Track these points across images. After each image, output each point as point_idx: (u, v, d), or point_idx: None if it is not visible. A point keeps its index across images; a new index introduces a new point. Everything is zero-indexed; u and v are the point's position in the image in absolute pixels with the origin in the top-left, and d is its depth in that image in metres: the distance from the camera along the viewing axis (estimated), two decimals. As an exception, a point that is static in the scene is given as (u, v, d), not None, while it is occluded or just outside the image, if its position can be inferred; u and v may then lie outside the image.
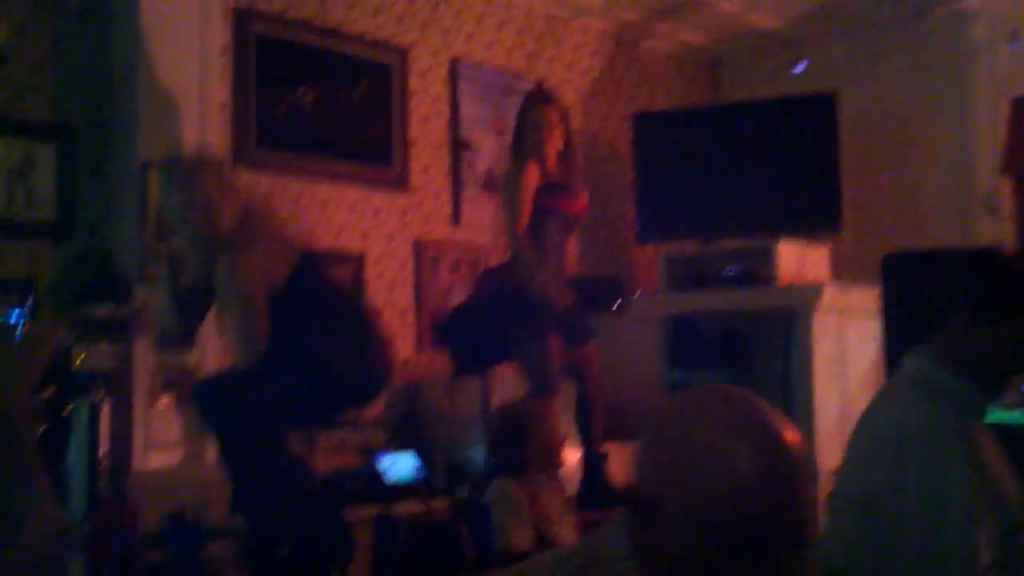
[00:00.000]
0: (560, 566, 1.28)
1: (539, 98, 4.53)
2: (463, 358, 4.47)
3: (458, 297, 5.18)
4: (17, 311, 1.44)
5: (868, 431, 2.15)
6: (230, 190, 3.43)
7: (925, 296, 3.49)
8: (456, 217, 5.41)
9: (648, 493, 1.21)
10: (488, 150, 5.55)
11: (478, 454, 4.31)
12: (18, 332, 1.52)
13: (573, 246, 4.78)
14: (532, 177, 4.36)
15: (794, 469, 1.19)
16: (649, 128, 5.99)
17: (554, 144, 4.44)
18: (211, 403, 3.23)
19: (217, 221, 3.35)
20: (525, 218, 4.32)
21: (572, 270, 4.63)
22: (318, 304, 3.47)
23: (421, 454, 4.45)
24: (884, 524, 2.01)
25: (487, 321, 4.34)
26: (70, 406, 3.39)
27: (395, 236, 5.14)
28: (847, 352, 5.17)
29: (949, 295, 2.19)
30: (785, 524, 1.17)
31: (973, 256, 4.17)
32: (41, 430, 3.30)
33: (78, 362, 3.47)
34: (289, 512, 3.18)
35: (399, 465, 4.31)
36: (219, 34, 4.41)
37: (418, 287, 5.19)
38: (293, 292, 3.37)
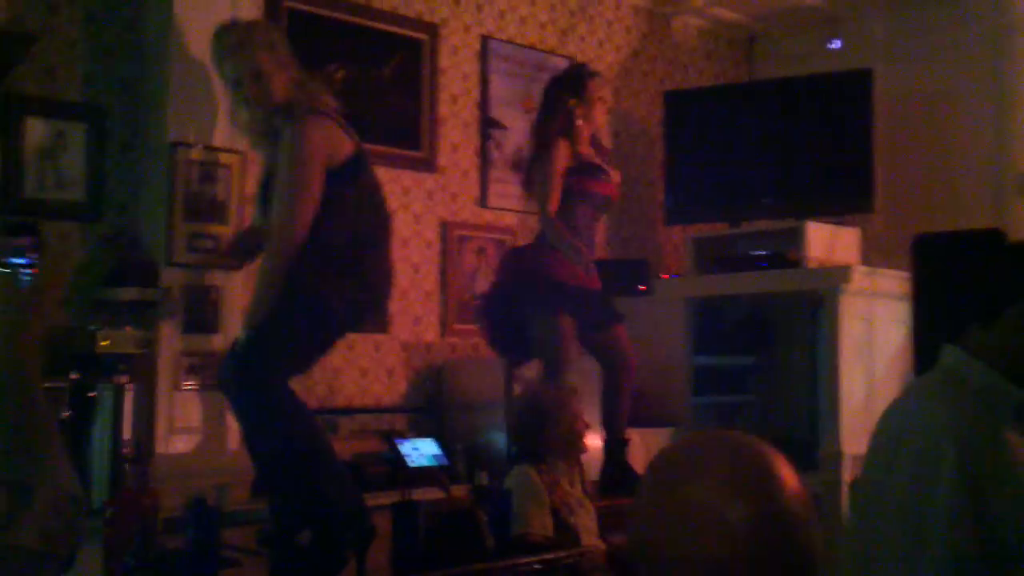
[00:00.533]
0: None
1: (580, 76, 4.50)
2: (501, 345, 4.47)
3: (483, 280, 5.20)
4: (21, 249, 1.39)
5: (892, 422, 2.11)
6: (284, 57, 3.43)
7: (956, 281, 3.46)
8: (483, 198, 5.40)
9: (643, 552, 1.20)
10: (517, 130, 5.52)
11: (500, 440, 4.34)
12: (25, 276, 1.47)
13: (601, 227, 4.76)
14: (563, 156, 4.35)
15: (793, 524, 1.18)
16: (681, 106, 5.95)
17: (590, 125, 4.42)
18: (234, 375, 3.26)
19: (270, 88, 3.35)
20: (556, 198, 4.31)
21: (599, 252, 4.62)
22: (370, 198, 3.43)
23: (442, 440, 4.49)
24: (871, 515, 2.00)
25: (510, 305, 4.35)
26: (94, 391, 3.42)
27: (421, 217, 5.14)
28: (875, 336, 5.14)
29: (993, 282, 2.12)
30: None
31: (1005, 243, 4.13)
32: (66, 414, 3.37)
33: (103, 345, 3.50)
34: (311, 490, 3.21)
35: (420, 451, 4.35)
36: (251, 10, 4.39)
37: (443, 269, 5.19)
38: (349, 175, 3.34)
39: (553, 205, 4.31)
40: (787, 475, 1.21)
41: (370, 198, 3.45)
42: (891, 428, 2.08)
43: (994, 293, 2.08)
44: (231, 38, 3.47)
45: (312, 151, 3.27)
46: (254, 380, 3.22)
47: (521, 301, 4.31)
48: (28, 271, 1.46)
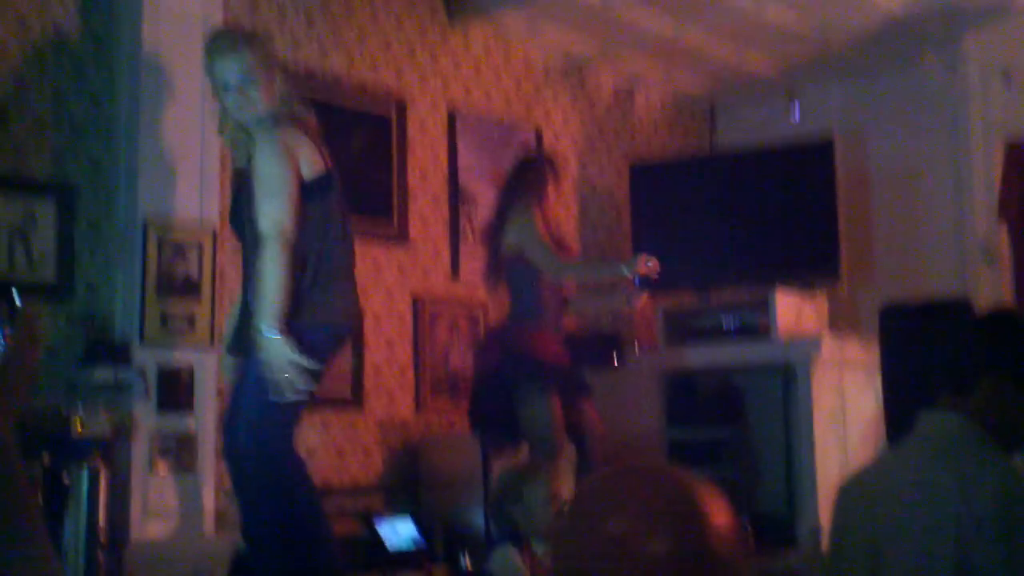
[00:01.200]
0: None
1: (552, 156, 4.58)
2: (485, 428, 4.42)
3: (456, 355, 5.17)
4: None
5: (902, 497, 2.08)
6: (272, 69, 3.47)
7: (925, 350, 3.48)
8: (455, 272, 5.39)
9: None
10: (487, 202, 5.53)
11: (478, 518, 4.28)
12: None
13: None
14: (540, 220, 4.39)
15: (717, 556, 1.14)
16: (646, 178, 6.00)
17: (556, 203, 4.47)
18: (249, 442, 3.23)
19: (257, 95, 3.38)
20: (554, 249, 4.31)
21: (568, 325, 4.62)
22: (340, 221, 3.48)
23: (419, 519, 4.42)
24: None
25: (496, 387, 4.31)
26: (67, 474, 3.34)
27: (393, 292, 5.11)
28: (847, 406, 5.17)
29: (966, 355, 2.14)
30: None
31: (973, 313, 4.18)
32: (38, 500, 3.27)
33: (76, 428, 3.42)
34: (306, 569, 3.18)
35: (399, 532, 4.28)
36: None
37: (417, 345, 5.15)
38: (318, 191, 3.37)
39: (559, 255, 4.30)
40: (712, 509, 1.17)
41: (340, 222, 3.48)
42: (893, 496, 2.06)
43: (966, 365, 2.11)
44: (226, 41, 3.52)
45: (287, 156, 3.32)
46: (270, 445, 3.21)
47: (508, 382, 4.27)
48: (1, 339, 1.40)
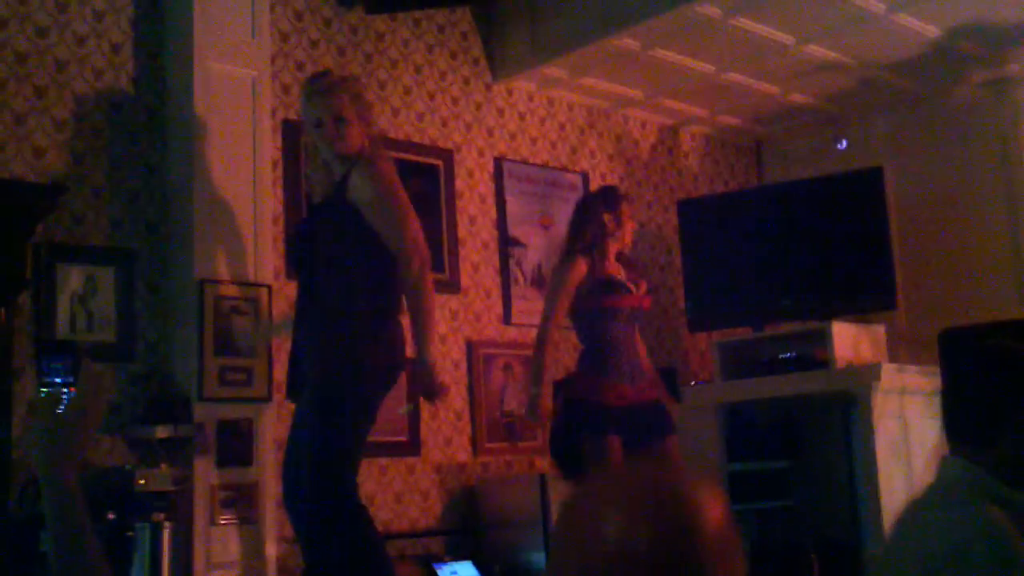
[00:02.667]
0: None
1: (615, 194, 4.56)
2: (565, 471, 4.43)
3: (511, 398, 5.20)
4: (59, 369, 1.41)
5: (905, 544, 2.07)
6: (365, 112, 3.62)
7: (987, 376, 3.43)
8: (507, 316, 5.44)
9: None
10: (536, 246, 5.60)
11: (539, 559, 4.28)
12: (64, 398, 1.48)
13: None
14: (578, 273, 4.35)
15: (705, 548, 1.11)
16: (694, 214, 6.01)
17: (619, 242, 4.44)
18: (313, 489, 3.30)
19: (347, 135, 3.52)
20: (562, 312, 4.31)
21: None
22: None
23: (480, 562, 4.43)
24: None
25: (565, 432, 4.32)
26: (131, 531, 3.42)
27: (447, 338, 5.18)
28: (910, 434, 5.10)
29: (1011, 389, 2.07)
30: None
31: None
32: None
33: (140, 484, 3.51)
34: None
35: (459, 575, 4.30)
36: (270, 147, 4.50)
37: (471, 388, 5.21)
38: None
39: (553, 322, 4.32)
40: (703, 502, 1.13)
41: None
42: (931, 541, 2.04)
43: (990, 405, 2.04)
44: (322, 83, 3.66)
45: (397, 180, 3.51)
46: (332, 490, 3.27)
47: (573, 428, 4.28)
48: (66, 391, 1.48)
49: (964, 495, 2.00)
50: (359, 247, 3.44)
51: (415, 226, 3.46)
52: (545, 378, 4.26)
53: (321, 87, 3.61)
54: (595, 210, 4.47)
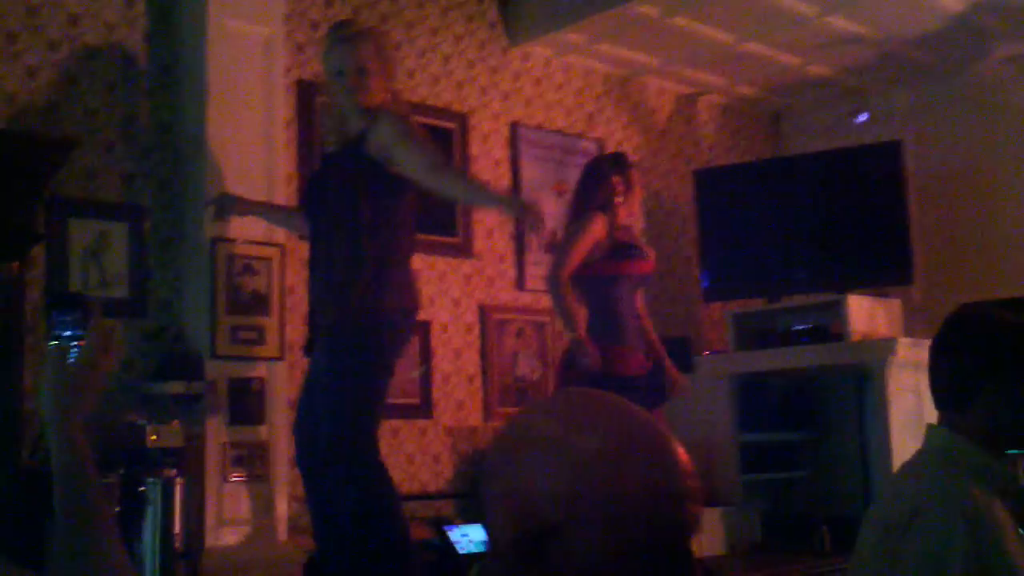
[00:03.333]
0: None
1: (624, 159, 4.51)
2: None
3: (524, 363, 5.18)
4: (69, 322, 1.39)
5: (881, 508, 2.09)
6: (389, 65, 3.58)
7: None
8: (520, 281, 5.41)
9: (490, 485, 1.16)
10: (550, 212, 5.54)
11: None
12: (72, 350, 1.46)
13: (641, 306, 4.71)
14: (598, 229, 4.29)
15: (651, 451, 1.11)
16: (711, 184, 5.97)
17: (627, 208, 4.40)
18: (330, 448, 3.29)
19: (369, 86, 3.48)
20: (573, 266, 4.22)
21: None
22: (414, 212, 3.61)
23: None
24: None
25: None
26: (143, 486, 3.40)
27: (460, 302, 5.15)
28: (924, 408, 5.02)
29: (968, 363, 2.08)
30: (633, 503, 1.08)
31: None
32: (116, 510, 3.34)
33: (151, 440, 3.49)
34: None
35: (470, 537, 4.28)
36: (283, 106, 4.46)
37: (484, 353, 5.18)
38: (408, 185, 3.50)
39: (567, 270, 4.22)
40: (640, 415, 1.15)
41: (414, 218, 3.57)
42: (896, 506, 2.04)
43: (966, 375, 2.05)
44: (345, 31, 3.62)
45: (414, 127, 3.50)
46: (351, 448, 3.26)
47: None
48: (76, 344, 1.45)
49: (936, 462, 2.01)
50: (371, 197, 3.41)
51: (431, 148, 3.48)
52: (579, 319, 4.19)
53: (345, 35, 3.56)
54: (605, 172, 4.43)
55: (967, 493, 1.92)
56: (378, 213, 3.39)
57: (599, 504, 1.08)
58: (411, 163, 3.40)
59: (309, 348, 3.56)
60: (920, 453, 2.11)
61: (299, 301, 4.31)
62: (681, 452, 1.13)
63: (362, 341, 3.30)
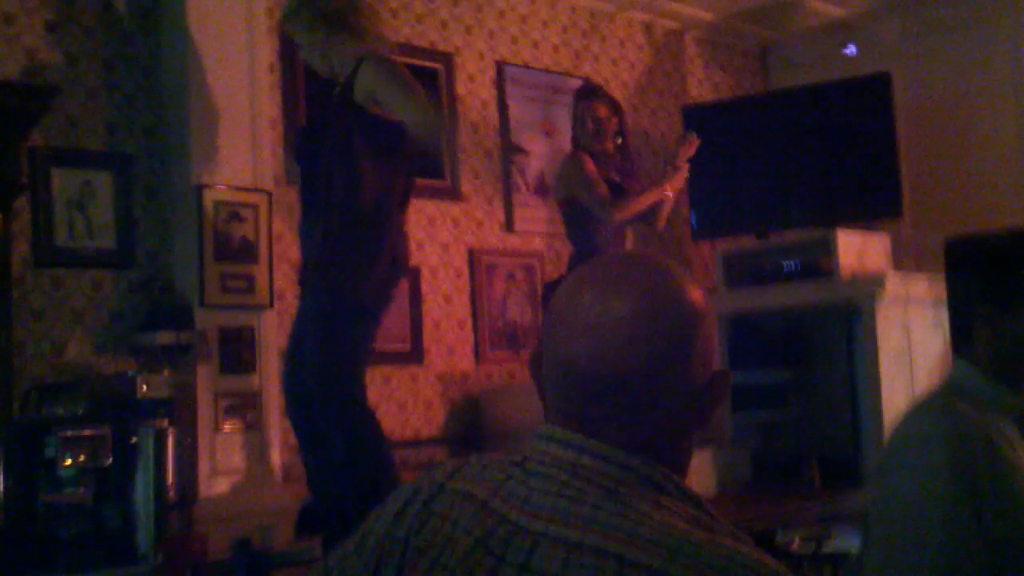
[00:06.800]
0: None
1: (587, 94, 4.45)
2: None
3: (515, 306, 5.17)
4: None
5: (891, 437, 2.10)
6: (347, 14, 3.52)
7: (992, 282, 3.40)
8: (509, 224, 5.38)
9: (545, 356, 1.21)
10: (539, 153, 5.52)
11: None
12: None
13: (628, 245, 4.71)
14: (590, 164, 4.27)
15: (687, 315, 1.16)
16: (699, 121, 5.90)
17: (607, 140, 4.35)
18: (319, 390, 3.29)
19: (338, 49, 3.50)
20: (603, 192, 4.21)
21: None
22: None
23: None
24: (876, 532, 1.98)
25: None
26: (135, 437, 3.40)
27: (449, 246, 5.12)
28: (913, 344, 5.07)
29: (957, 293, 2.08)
30: None
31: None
32: (108, 461, 3.35)
33: (142, 391, 3.49)
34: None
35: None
36: (266, 51, 4.40)
37: (474, 296, 5.17)
38: (396, 130, 3.45)
39: (604, 198, 4.21)
40: (680, 276, 1.19)
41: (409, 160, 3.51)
42: (890, 443, 2.05)
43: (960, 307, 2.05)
44: (288, 23, 3.63)
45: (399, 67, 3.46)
46: (340, 393, 3.26)
47: None
48: None
49: (939, 392, 2.01)
50: (365, 146, 3.37)
51: (421, 94, 3.41)
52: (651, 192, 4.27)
53: (289, 11, 3.58)
54: (576, 107, 4.40)
55: (957, 425, 1.93)
56: (373, 162, 3.36)
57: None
58: (396, 103, 3.36)
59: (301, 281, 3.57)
60: (937, 386, 2.11)
61: (287, 248, 4.29)
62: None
63: (351, 287, 3.29)
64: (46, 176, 3.92)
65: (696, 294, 1.18)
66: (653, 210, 4.37)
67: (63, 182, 3.97)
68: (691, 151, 4.31)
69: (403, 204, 3.49)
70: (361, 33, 3.52)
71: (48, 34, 4.00)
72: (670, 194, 4.32)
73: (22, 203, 3.81)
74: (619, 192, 4.32)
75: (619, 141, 4.43)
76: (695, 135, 4.36)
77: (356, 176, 3.34)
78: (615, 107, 4.43)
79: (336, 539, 3.18)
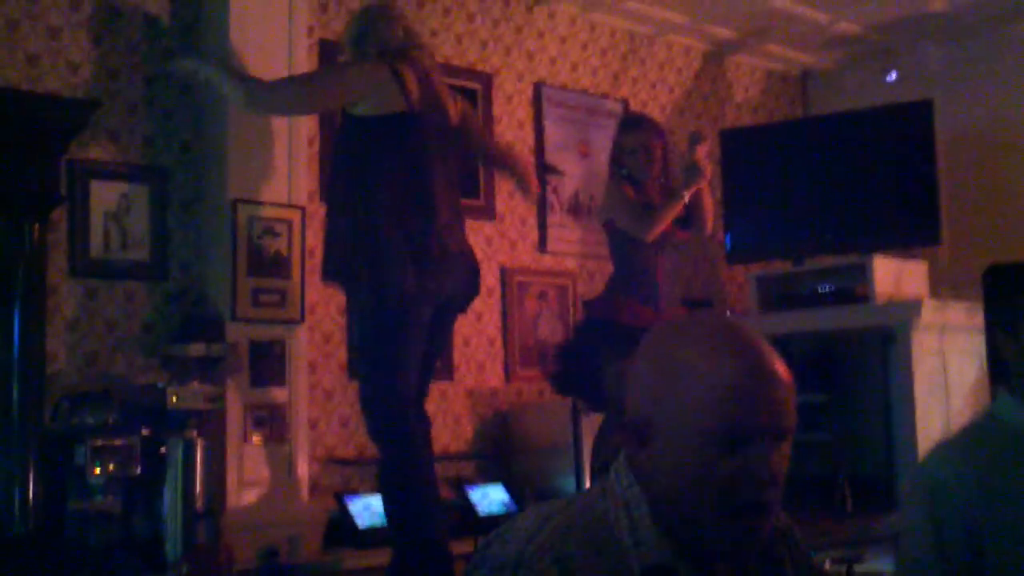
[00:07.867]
0: (569, 506, 1.38)
1: (635, 124, 4.45)
2: (575, 394, 4.40)
3: (546, 325, 5.17)
4: None
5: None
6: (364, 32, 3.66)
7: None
8: (543, 244, 5.39)
9: (640, 416, 1.33)
10: (574, 174, 5.52)
11: (569, 484, 4.28)
12: None
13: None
14: (627, 190, 4.29)
15: (767, 372, 1.30)
16: (737, 145, 5.90)
17: (653, 170, 4.35)
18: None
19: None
20: (639, 209, 4.23)
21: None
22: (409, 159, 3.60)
23: (510, 485, 4.44)
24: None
25: (583, 356, 4.27)
26: (164, 447, 3.43)
27: (482, 264, 5.09)
28: (949, 370, 5.02)
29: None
30: (762, 418, 1.28)
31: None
32: (138, 470, 3.38)
33: (172, 401, 3.52)
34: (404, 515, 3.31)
35: (490, 498, 4.31)
36: (306, 67, 4.43)
37: (505, 315, 5.18)
38: (393, 131, 3.55)
39: (637, 212, 4.21)
40: (761, 340, 1.35)
41: (414, 165, 3.49)
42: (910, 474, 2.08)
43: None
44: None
45: (350, 77, 3.53)
46: (375, 413, 3.35)
47: (595, 352, 4.22)
48: None
49: (975, 428, 1.99)
50: (341, 143, 3.57)
51: (296, 91, 3.69)
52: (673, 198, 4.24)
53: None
54: (616, 136, 4.43)
55: (944, 456, 1.92)
56: (347, 156, 3.50)
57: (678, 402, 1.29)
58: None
59: (326, 275, 3.63)
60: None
61: (319, 263, 4.31)
62: (777, 364, 1.32)
63: (378, 300, 3.34)
64: (84, 188, 3.98)
65: None
66: (690, 216, 4.34)
67: (100, 194, 4.03)
68: (705, 148, 4.29)
69: (428, 196, 3.47)
70: (383, 38, 3.65)
71: (91, 48, 4.07)
72: (686, 197, 4.27)
73: (59, 214, 3.86)
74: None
75: (659, 173, 4.44)
76: (701, 134, 4.34)
77: (337, 176, 3.55)
78: (661, 134, 4.44)
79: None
